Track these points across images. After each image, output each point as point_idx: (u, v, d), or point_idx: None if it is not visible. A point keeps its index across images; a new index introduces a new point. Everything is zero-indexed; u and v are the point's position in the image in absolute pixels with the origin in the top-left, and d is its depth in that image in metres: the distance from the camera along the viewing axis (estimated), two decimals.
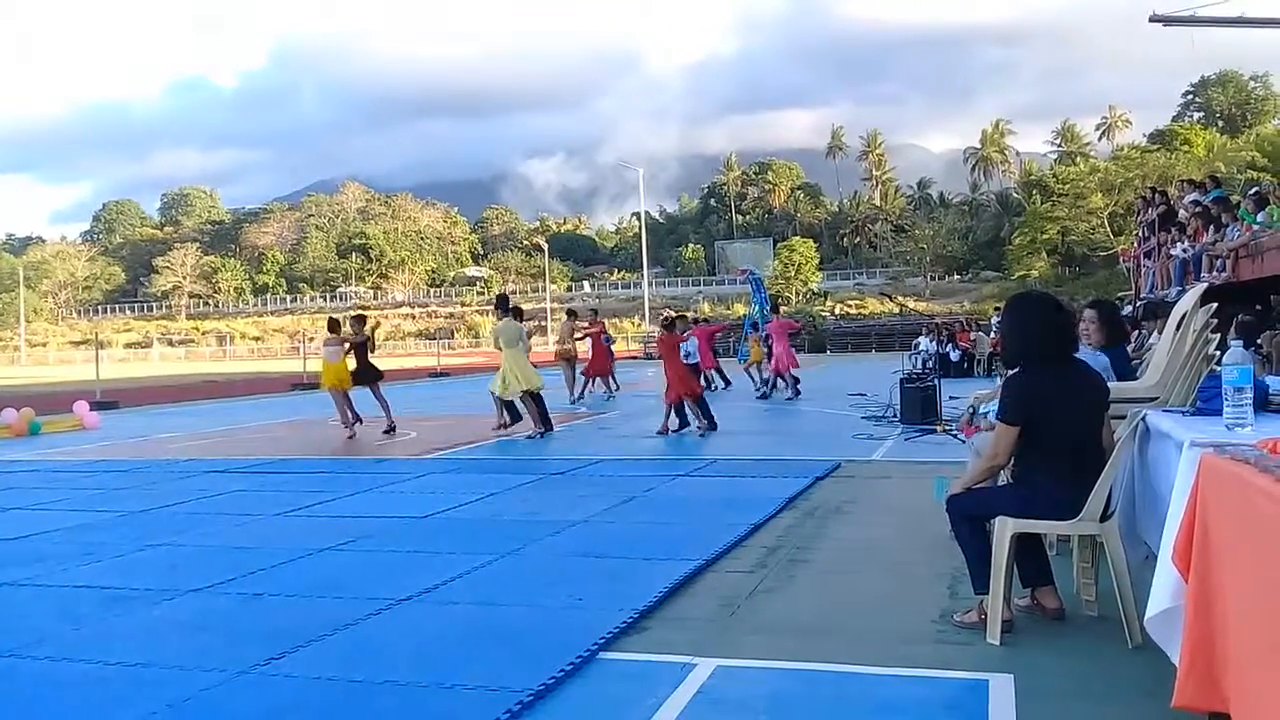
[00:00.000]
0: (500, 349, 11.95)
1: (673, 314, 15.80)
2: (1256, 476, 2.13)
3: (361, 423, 12.42)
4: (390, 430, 12.18)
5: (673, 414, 11.71)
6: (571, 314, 20.74)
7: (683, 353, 13.43)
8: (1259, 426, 3.00)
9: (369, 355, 12.82)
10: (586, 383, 18.37)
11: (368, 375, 12.62)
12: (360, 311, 14.76)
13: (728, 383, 20.39)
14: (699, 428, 11.61)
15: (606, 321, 27.74)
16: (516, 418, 11.98)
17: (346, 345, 12.47)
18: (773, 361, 17.83)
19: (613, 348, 20.16)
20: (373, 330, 13.04)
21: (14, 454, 11.86)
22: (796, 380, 17.50)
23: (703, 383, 17.14)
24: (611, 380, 19.20)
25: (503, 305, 12.32)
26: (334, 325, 12.81)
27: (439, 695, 3.38)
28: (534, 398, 11.75)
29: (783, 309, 25.53)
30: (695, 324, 20.70)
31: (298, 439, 12.83)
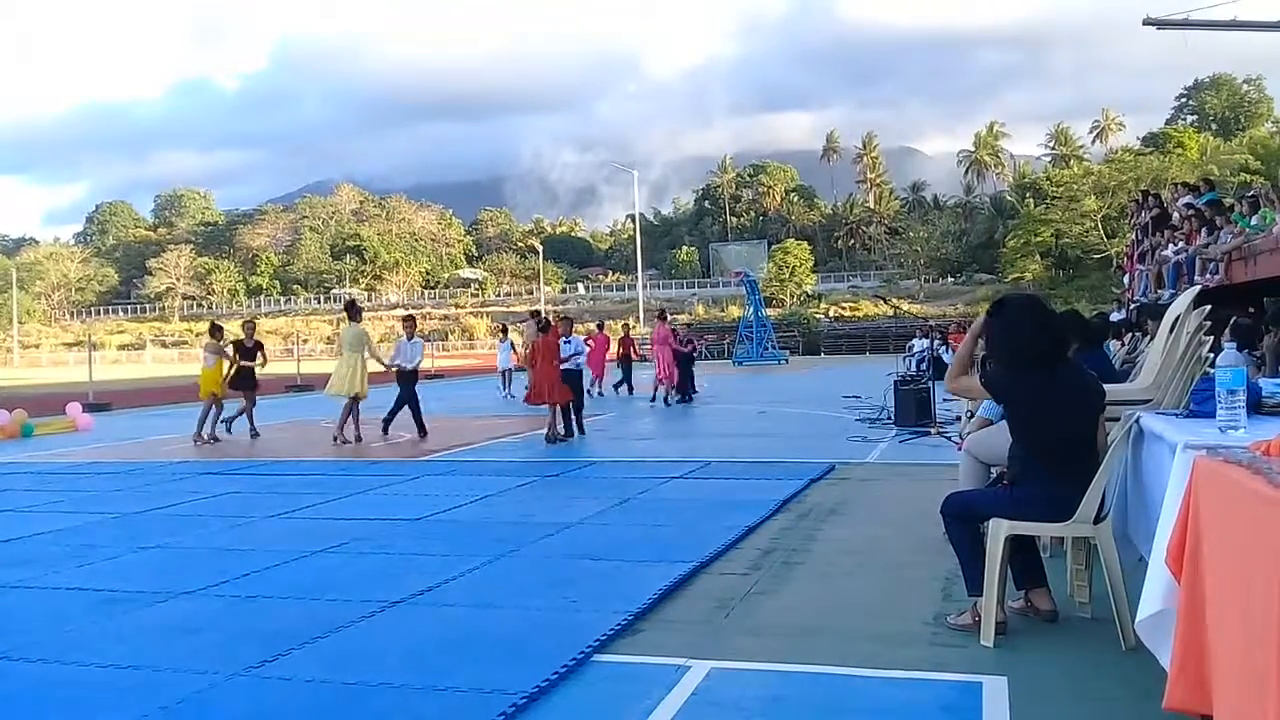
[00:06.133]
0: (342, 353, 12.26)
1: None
2: (1250, 479, 2.12)
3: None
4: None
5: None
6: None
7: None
8: (1252, 429, 3.00)
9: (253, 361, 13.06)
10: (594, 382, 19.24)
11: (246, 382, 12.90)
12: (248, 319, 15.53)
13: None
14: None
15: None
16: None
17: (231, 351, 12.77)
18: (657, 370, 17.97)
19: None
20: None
21: (6, 456, 11.82)
22: (671, 390, 17.61)
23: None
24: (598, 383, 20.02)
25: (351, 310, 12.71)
26: (216, 331, 13.00)
27: (433, 698, 3.37)
28: (355, 401, 12.00)
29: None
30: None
31: (291, 441, 12.79)
